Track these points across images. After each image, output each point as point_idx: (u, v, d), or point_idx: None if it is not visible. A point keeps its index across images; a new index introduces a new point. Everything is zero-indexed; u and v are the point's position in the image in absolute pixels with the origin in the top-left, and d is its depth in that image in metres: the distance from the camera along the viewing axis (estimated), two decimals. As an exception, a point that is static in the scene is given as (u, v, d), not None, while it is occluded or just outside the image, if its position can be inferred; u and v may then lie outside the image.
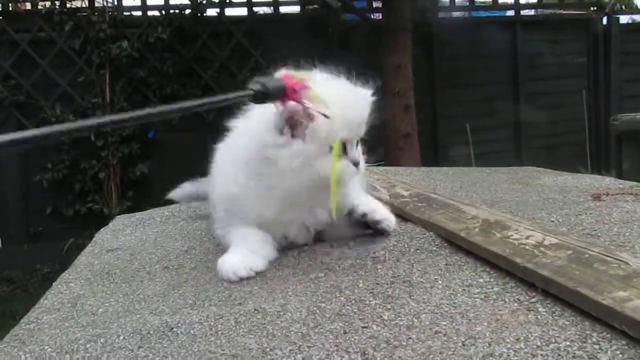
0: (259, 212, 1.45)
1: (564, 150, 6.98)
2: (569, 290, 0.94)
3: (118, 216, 2.46)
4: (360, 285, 1.20)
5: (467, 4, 7.23)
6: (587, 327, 0.89)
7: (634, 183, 2.07)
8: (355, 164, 1.40)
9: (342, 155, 1.36)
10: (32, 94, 6.02)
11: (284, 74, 1.22)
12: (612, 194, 1.84)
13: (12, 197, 6.12)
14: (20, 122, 6.01)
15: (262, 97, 1.15)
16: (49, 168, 5.99)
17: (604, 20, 7.28)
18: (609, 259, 1.00)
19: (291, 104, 1.26)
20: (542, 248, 1.11)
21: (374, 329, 0.98)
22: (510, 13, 7.39)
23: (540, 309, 0.98)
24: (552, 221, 1.51)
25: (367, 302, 1.10)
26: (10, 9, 6.26)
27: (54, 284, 1.61)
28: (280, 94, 1.17)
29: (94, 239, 2.11)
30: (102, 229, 2.23)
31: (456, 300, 1.05)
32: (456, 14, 7.25)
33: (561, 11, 7.51)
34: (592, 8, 7.38)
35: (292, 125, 1.33)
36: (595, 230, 1.40)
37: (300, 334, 1.01)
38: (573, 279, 0.96)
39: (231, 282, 1.36)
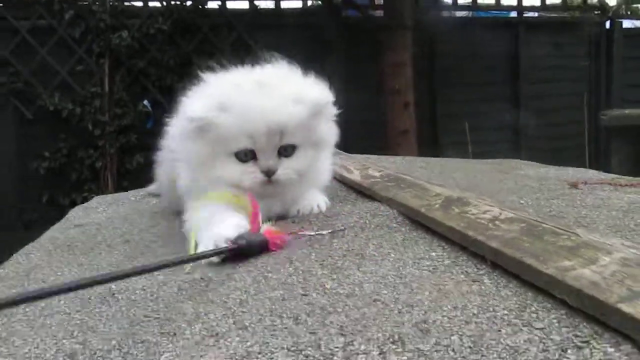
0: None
1: (563, 153, 6.92)
2: (515, 261, 0.90)
3: (97, 196, 2.44)
4: (312, 257, 1.16)
5: (469, 4, 7.19)
6: (529, 297, 0.85)
7: (616, 175, 2.03)
8: (267, 173, 1.38)
9: (245, 160, 1.38)
10: (31, 81, 6.01)
11: (265, 229, 1.26)
12: (591, 184, 1.79)
13: (8, 185, 6.10)
14: (18, 109, 6.00)
15: (246, 251, 1.20)
16: (46, 156, 5.98)
17: (607, 25, 7.22)
18: (560, 231, 0.96)
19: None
20: (497, 222, 1.07)
21: (313, 297, 0.95)
22: (514, 14, 7.33)
23: (485, 281, 0.94)
24: (521, 203, 1.47)
25: (314, 272, 1.07)
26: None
27: (14, 254, 1.58)
28: (264, 248, 1.22)
29: (66, 215, 2.09)
30: (76, 207, 2.21)
31: (403, 272, 1.02)
32: (458, 13, 7.21)
33: (564, 14, 7.45)
34: (595, 12, 7.33)
35: (195, 128, 1.36)
36: (562, 212, 1.36)
37: (238, 300, 0.97)
38: (520, 249, 0.92)
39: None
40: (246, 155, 1.38)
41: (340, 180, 1.89)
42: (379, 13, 6.59)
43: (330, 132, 1.50)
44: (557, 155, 6.82)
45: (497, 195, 1.61)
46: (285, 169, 1.40)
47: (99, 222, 1.87)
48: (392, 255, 1.12)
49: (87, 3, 6.01)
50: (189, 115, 1.36)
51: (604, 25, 7.27)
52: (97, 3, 5.99)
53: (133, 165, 6.08)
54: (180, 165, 1.50)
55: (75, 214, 2.07)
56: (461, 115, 6.63)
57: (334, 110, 1.48)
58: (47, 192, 6.06)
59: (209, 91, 1.42)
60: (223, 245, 1.20)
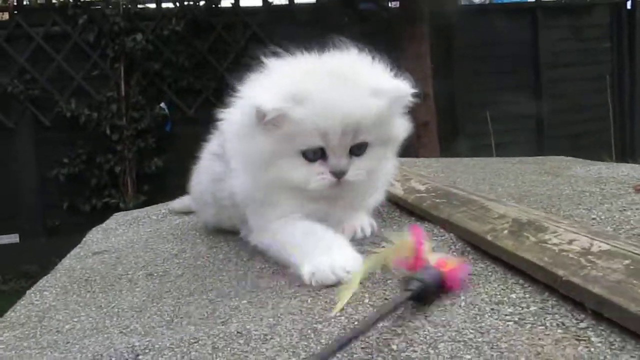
0: (288, 201, 1.27)
1: (588, 139, 6.71)
2: (631, 315, 0.73)
3: (115, 214, 2.29)
4: (366, 300, 0.99)
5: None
6: (657, 365, 0.67)
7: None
8: (336, 173, 1.21)
9: (313, 160, 1.22)
10: (47, 88, 5.93)
11: (437, 260, 0.99)
12: (657, 186, 1.60)
13: (29, 193, 6.05)
14: (36, 117, 5.92)
15: (423, 296, 0.93)
16: (65, 163, 5.93)
17: (628, 5, 6.97)
18: (679, 271, 0.78)
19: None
20: (590, 256, 0.89)
21: (379, 363, 0.78)
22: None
23: (592, 338, 0.76)
24: (594, 219, 1.28)
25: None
26: (25, 3, 6.17)
27: (27, 292, 1.43)
28: (441, 285, 0.95)
29: (84, 239, 1.95)
30: (94, 228, 2.07)
31: (483, 324, 0.84)
32: (475, 1, 7.02)
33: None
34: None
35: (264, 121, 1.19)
36: (647, 230, 1.17)
37: (285, 365, 0.81)
38: (636, 299, 0.74)
39: (219, 295, 1.16)
40: (315, 154, 1.22)
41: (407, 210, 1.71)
42: (395, 4, 6.41)
43: (403, 127, 1.34)
44: (580, 140, 6.62)
45: (561, 207, 1.43)
46: (357, 169, 1.23)
47: (118, 247, 1.71)
48: (462, 297, 0.95)
49: (100, 7, 5.90)
50: (258, 106, 1.16)
51: (625, 5, 7.00)
52: (110, 7, 5.87)
53: (152, 169, 6.00)
54: (236, 169, 1.33)
55: (94, 237, 1.92)
56: (481, 104, 6.45)
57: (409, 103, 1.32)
58: (67, 198, 5.99)
59: (276, 80, 1.24)
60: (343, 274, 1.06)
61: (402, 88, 1.26)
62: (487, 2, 7.22)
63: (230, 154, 1.36)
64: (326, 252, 1.13)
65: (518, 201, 1.51)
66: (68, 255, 1.75)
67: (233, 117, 1.34)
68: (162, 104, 6.02)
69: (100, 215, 5.68)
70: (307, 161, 1.22)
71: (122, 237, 1.85)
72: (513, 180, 1.88)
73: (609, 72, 6.93)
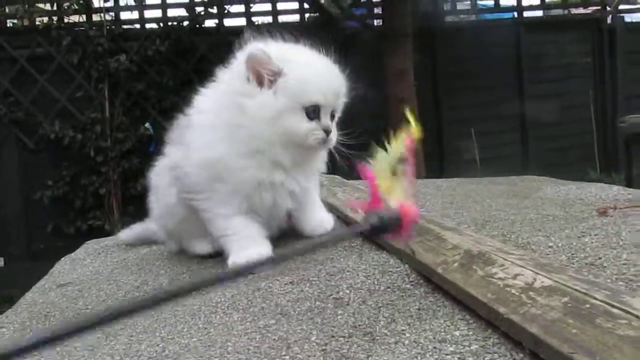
0: (241, 175, 1.44)
1: (572, 152, 6.75)
2: (564, 358, 0.72)
3: (87, 242, 2.27)
4: (313, 338, 0.98)
5: (469, 7, 7.04)
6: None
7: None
8: (327, 131, 1.42)
9: (312, 118, 1.41)
10: (31, 110, 5.90)
11: (399, 204, 1.00)
12: (620, 208, 1.61)
13: (13, 216, 6.00)
14: (20, 139, 5.90)
15: (379, 230, 0.97)
16: (49, 185, 5.88)
17: (609, 20, 7.03)
18: (615, 310, 0.78)
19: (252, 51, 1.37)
20: (531, 292, 0.89)
21: (314, 408, 0.77)
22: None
23: (526, 380, 0.76)
24: (550, 247, 1.28)
25: (315, 364, 0.89)
26: (9, 24, 6.17)
27: (-14, 328, 1.42)
28: (397, 225, 0.97)
29: (51, 269, 1.93)
30: (63, 258, 2.05)
31: (423, 364, 0.84)
32: (458, 17, 7.08)
33: (565, 11, 7.27)
34: (596, 7, 7.16)
35: (257, 74, 1.38)
36: (600, 258, 1.17)
37: (222, 411, 0.80)
38: (569, 340, 0.74)
39: (171, 332, 1.15)
40: (314, 113, 1.42)
41: (345, 221, 1.71)
42: (379, 22, 6.45)
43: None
44: (565, 154, 6.65)
45: (520, 233, 1.43)
46: (334, 131, 1.47)
47: (83, 279, 1.70)
48: (407, 334, 0.94)
49: (83, 29, 5.90)
50: (256, 50, 1.41)
51: (606, 21, 7.07)
52: (94, 28, 5.87)
53: (137, 190, 5.93)
54: (205, 135, 1.46)
55: (61, 268, 1.91)
56: (466, 120, 6.47)
57: None
58: (52, 221, 5.94)
59: (288, 57, 1.44)
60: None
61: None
62: (473, 18, 7.24)
63: (197, 128, 1.48)
64: (244, 249, 1.43)
65: (480, 227, 1.52)
66: (32, 288, 1.74)
67: (219, 88, 1.50)
68: (147, 124, 6.00)
69: (85, 237, 5.67)
70: (308, 119, 1.41)
71: (89, 268, 1.84)
72: (480, 203, 1.88)
73: (592, 87, 6.97)
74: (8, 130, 5.88)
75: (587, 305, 0.81)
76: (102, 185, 5.91)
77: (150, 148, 6.03)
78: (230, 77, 1.47)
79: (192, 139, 1.48)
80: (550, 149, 6.78)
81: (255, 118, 1.40)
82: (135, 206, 5.89)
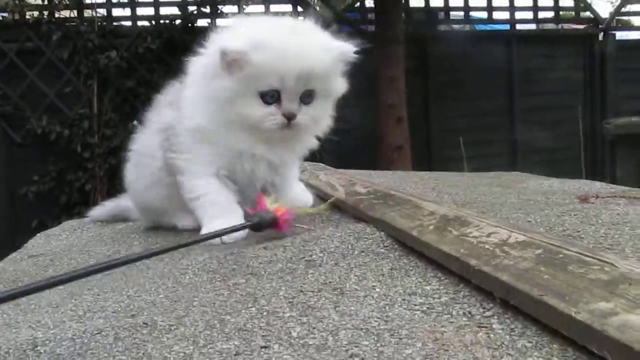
0: (224, 142, 1.46)
1: (560, 166, 6.75)
2: (533, 300, 0.70)
3: (65, 222, 2.24)
4: (281, 293, 0.96)
5: (462, 18, 7.07)
6: (556, 352, 0.65)
7: (627, 188, 1.83)
8: (288, 116, 1.38)
9: (270, 103, 1.38)
10: (19, 104, 5.84)
11: (275, 208, 1.37)
12: (602, 197, 1.59)
13: (-1, 211, 5.93)
14: (7, 133, 5.83)
15: (259, 228, 1.36)
16: (35, 180, 5.80)
17: (600, 36, 7.09)
18: (589, 259, 0.76)
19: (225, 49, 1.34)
20: (505, 247, 0.87)
21: (275, 350, 0.74)
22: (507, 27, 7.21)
23: (495, 326, 0.73)
24: (529, 221, 1.27)
25: (281, 314, 0.86)
26: (-1, 18, 6.13)
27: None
28: (274, 223, 1.36)
29: (25, 244, 1.89)
30: (38, 234, 2.02)
31: (390, 313, 0.81)
32: (451, 27, 7.11)
33: (558, 27, 7.32)
34: (588, 24, 7.22)
35: (227, 66, 1.36)
36: (578, 231, 1.15)
37: (182, 354, 0.77)
38: (540, 285, 0.72)
39: (139, 291, 1.12)
40: (272, 97, 1.38)
41: (324, 198, 1.69)
42: (371, 28, 6.45)
43: (342, 84, 1.50)
44: (553, 168, 6.65)
45: (500, 212, 1.41)
46: (304, 114, 1.41)
47: (55, 251, 1.66)
48: (377, 289, 0.92)
49: (74, 24, 5.86)
50: (224, 48, 1.34)
51: (598, 37, 7.12)
52: (85, 24, 5.83)
53: (123, 187, 5.88)
54: (194, 105, 1.48)
55: (35, 242, 1.87)
56: (456, 129, 6.47)
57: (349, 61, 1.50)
58: (37, 216, 5.86)
59: (243, 30, 1.42)
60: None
61: (347, 47, 1.45)
62: (466, 28, 7.28)
63: (188, 98, 1.50)
64: (217, 218, 1.44)
65: (459, 207, 1.50)
66: (4, 260, 1.70)
67: (200, 61, 1.50)
68: (135, 122, 5.95)
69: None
70: (265, 104, 1.38)
71: (63, 242, 1.80)
72: (463, 190, 1.86)
73: (582, 102, 7.01)
74: (-5, 124, 5.83)
75: (561, 255, 0.79)
76: (88, 182, 5.84)
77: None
78: (209, 54, 1.46)
79: (183, 105, 1.51)
80: (538, 161, 6.80)
81: (218, 100, 1.42)
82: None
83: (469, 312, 0.78)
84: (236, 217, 1.44)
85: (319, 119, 1.48)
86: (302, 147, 1.56)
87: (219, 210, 1.47)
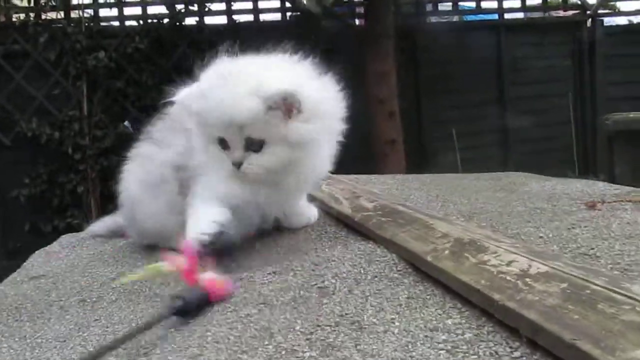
0: (222, 189, 1.42)
1: (552, 155, 6.80)
2: (565, 344, 0.68)
3: (63, 236, 2.20)
4: (297, 327, 0.94)
5: (450, 9, 7.06)
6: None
7: (631, 188, 1.82)
8: (235, 164, 1.35)
9: (224, 148, 1.37)
10: (7, 107, 5.78)
11: (206, 280, 1.13)
12: (608, 202, 1.58)
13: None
14: (-4, 137, 5.78)
15: (185, 313, 1.07)
16: (26, 183, 5.75)
17: (588, 23, 7.09)
18: (617, 296, 0.74)
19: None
20: (527, 279, 0.85)
21: (301, 398, 0.72)
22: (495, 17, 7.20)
23: (524, 368, 0.71)
24: (541, 237, 1.25)
25: (301, 353, 0.84)
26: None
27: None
28: (206, 302, 1.10)
29: (24, 263, 1.86)
30: (37, 251, 1.98)
31: (414, 353, 0.79)
32: (440, 19, 7.10)
33: (546, 14, 7.32)
34: (575, 11, 7.22)
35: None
36: (592, 248, 1.14)
37: (201, 404, 0.75)
38: (570, 326, 0.70)
39: (155, 307, 1.10)
40: (223, 143, 1.37)
41: (328, 212, 1.67)
42: (361, 22, 6.43)
43: (300, 130, 1.34)
44: (545, 156, 6.68)
45: (510, 224, 1.39)
46: (250, 163, 1.36)
47: (57, 272, 1.63)
48: (397, 322, 0.90)
49: (61, 25, 5.79)
50: (175, 98, 1.40)
51: (586, 24, 7.13)
52: (72, 25, 5.76)
53: (116, 188, 5.84)
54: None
55: (34, 261, 1.84)
56: (447, 121, 6.49)
57: (324, 106, 1.39)
58: (28, 219, 5.82)
59: (204, 76, 1.39)
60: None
61: (280, 90, 1.29)
62: (456, 19, 7.26)
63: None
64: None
65: (468, 219, 1.48)
66: (4, 282, 1.66)
67: None
68: (126, 123, 5.91)
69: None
70: (221, 149, 1.38)
71: (63, 261, 1.77)
72: (467, 197, 1.84)
73: (572, 90, 7.03)
74: (-17, 128, 5.76)
75: (587, 291, 0.78)
76: (80, 184, 5.81)
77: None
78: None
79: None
80: (530, 151, 6.82)
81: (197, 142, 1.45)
82: (114, 204, 5.78)
83: (496, 352, 0.76)
84: (218, 212, 1.38)
85: (276, 168, 1.36)
86: (291, 185, 1.45)
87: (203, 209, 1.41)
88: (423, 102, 6.66)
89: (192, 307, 1.05)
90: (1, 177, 5.83)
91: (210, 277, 1.13)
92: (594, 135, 6.94)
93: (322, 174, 1.53)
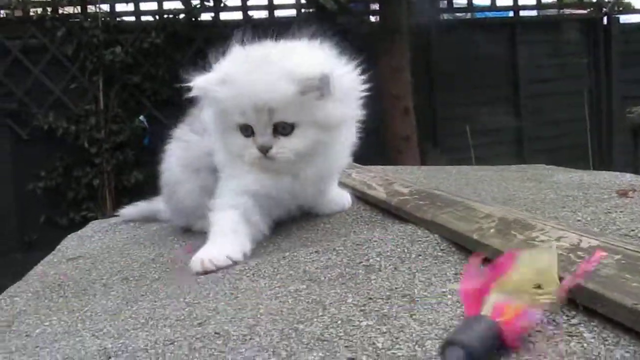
0: (248, 178, 1.42)
1: (566, 153, 6.77)
2: (628, 310, 0.70)
3: (92, 222, 2.23)
4: (349, 300, 0.96)
5: (465, 6, 7.06)
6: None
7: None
8: (261, 149, 1.34)
9: (247, 135, 1.36)
10: (24, 101, 5.83)
11: (493, 307, 0.73)
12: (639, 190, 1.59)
13: (6, 206, 5.91)
14: (13, 130, 5.82)
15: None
16: (42, 176, 5.81)
17: (604, 21, 7.08)
18: (673, 265, 0.76)
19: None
20: (579, 252, 0.87)
21: (364, 361, 0.74)
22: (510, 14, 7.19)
23: (585, 335, 0.73)
24: (579, 220, 1.26)
25: (357, 322, 0.86)
26: (2, 15, 6.09)
27: (-4, 298, 1.38)
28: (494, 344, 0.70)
29: (58, 246, 1.89)
30: (69, 235, 2.01)
31: (471, 321, 0.81)
32: (454, 15, 7.10)
33: (561, 12, 7.31)
34: (590, 8, 7.20)
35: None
36: (633, 230, 1.15)
37: (265, 366, 0.77)
38: (631, 293, 0.72)
39: (197, 297, 1.12)
40: (247, 130, 1.36)
41: (361, 198, 1.69)
42: (375, 18, 6.44)
43: (334, 112, 1.36)
44: (559, 154, 6.67)
45: (545, 210, 1.41)
46: (281, 147, 1.35)
47: (93, 254, 1.66)
48: (449, 295, 0.92)
49: (78, 20, 5.84)
50: (192, 84, 1.37)
51: (602, 22, 7.11)
52: (89, 19, 5.81)
53: (131, 182, 5.91)
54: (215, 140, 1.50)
55: (68, 244, 1.87)
56: (461, 118, 6.48)
57: (349, 89, 1.42)
58: (44, 212, 5.87)
59: (223, 63, 1.40)
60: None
61: (315, 72, 1.30)
62: (469, 16, 7.25)
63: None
64: (216, 245, 1.35)
65: (502, 204, 1.49)
66: (41, 262, 1.70)
67: None
68: (141, 117, 5.95)
69: (78, 229, 5.64)
70: (244, 136, 1.37)
71: (98, 244, 1.80)
72: (496, 186, 1.86)
73: (586, 87, 7.01)
74: (1, 121, 5.80)
75: (642, 261, 0.79)
76: (96, 177, 5.86)
77: (144, 142, 5.98)
78: None
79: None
80: (545, 148, 6.80)
81: (215, 133, 1.48)
82: (129, 198, 5.81)
83: (554, 320, 0.78)
84: (232, 246, 1.35)
85: (305, 152, 1.36)
86: (316, 173, 1.45)
87: (224, 239, 1.36)
88: (437, 99, 6.67)
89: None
90: (17, 170, 5.88)
91: (497, 303, 0.73)
92: (609, 133, 6.93)
93: (344, 160, 1.56)
